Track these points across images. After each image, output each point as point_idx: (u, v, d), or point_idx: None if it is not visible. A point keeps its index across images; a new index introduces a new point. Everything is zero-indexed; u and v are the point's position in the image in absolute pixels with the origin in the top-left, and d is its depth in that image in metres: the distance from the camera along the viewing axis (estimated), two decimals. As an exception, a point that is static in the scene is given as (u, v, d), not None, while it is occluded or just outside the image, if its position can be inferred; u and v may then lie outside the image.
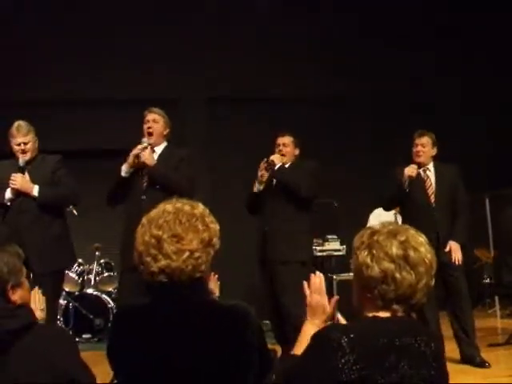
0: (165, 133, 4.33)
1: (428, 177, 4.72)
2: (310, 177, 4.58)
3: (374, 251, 1.69)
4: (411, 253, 1.67)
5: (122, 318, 1.76)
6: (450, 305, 4.60)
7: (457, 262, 4.50)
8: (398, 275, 1.65)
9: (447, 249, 4.51)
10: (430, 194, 4.67)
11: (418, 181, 4.65)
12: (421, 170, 4.70)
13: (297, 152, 4.80)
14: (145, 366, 1.62)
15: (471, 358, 4.47)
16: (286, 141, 4.76)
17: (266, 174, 4.63)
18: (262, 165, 4.61)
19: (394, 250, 1.67)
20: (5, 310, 1.86)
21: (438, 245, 4.40)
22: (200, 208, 1.78)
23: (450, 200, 4.66)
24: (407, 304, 1.68)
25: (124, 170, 4.13)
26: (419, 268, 1.66)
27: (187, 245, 1.69)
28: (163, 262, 1.67)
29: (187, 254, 1.69)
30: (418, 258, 1.67)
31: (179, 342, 1.64)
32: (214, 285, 2.25)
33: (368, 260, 1.69)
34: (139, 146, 4.14)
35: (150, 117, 4.28)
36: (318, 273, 2.01)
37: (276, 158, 4.61)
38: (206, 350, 1.63)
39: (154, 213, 1.75)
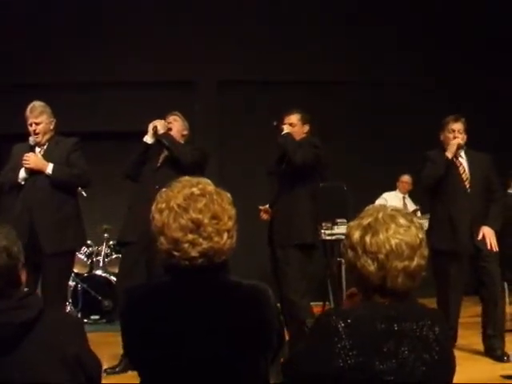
0: (183, 132, 4.57)
1: (461, 163, 4.52)
2: (308, 146, 4.30)
3: (345, 240, 1.69)
4: (368, 239, 1.61)
5: (138, 300, 1.69)
6: (481, 292, 4.43)
7: (494, 249, 4.35)
8: (358, 263, 1.62)
9: (480, 235, 4.36)
10: (464, 179, 4.48)
11: (451, 167, 4.45)
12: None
13: (306, 129, 4.47)
14: (166, 348, 1.61)
15: (492, 350, 4.31)
16: (292, 120, 4.43)
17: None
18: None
19: (355, 236, 1.64)
20: (15, 300, 1.71)
21: (471, 231, 4.36)
22: (212, 184, 1.77)
23: (484, 188, 4.49)
24: (384, 292, 1.62)
25: (147, 138, 4.41)
26: (378, 255, 1.59)
27: (224, 225, 1.69)
28: (205, 246, 1.65)
29: (226, 234, 1.69)
30: (375, 243, 1.60)
31: (200, 320, 1.62)
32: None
33: (343, 249, 1.69)
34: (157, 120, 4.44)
35: (171, 117, 4.57)
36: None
37: (286, 127, 4.37)
38: (228, 329, 1.62)
39: (179, 197, 1.69)
